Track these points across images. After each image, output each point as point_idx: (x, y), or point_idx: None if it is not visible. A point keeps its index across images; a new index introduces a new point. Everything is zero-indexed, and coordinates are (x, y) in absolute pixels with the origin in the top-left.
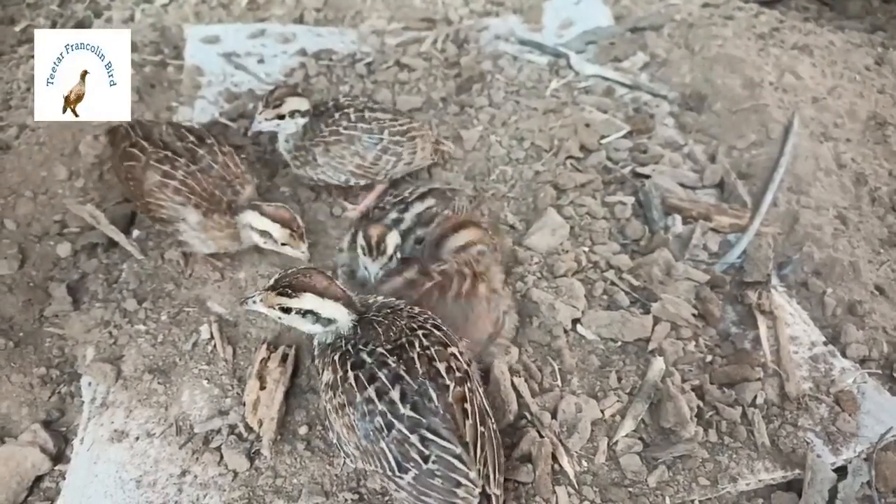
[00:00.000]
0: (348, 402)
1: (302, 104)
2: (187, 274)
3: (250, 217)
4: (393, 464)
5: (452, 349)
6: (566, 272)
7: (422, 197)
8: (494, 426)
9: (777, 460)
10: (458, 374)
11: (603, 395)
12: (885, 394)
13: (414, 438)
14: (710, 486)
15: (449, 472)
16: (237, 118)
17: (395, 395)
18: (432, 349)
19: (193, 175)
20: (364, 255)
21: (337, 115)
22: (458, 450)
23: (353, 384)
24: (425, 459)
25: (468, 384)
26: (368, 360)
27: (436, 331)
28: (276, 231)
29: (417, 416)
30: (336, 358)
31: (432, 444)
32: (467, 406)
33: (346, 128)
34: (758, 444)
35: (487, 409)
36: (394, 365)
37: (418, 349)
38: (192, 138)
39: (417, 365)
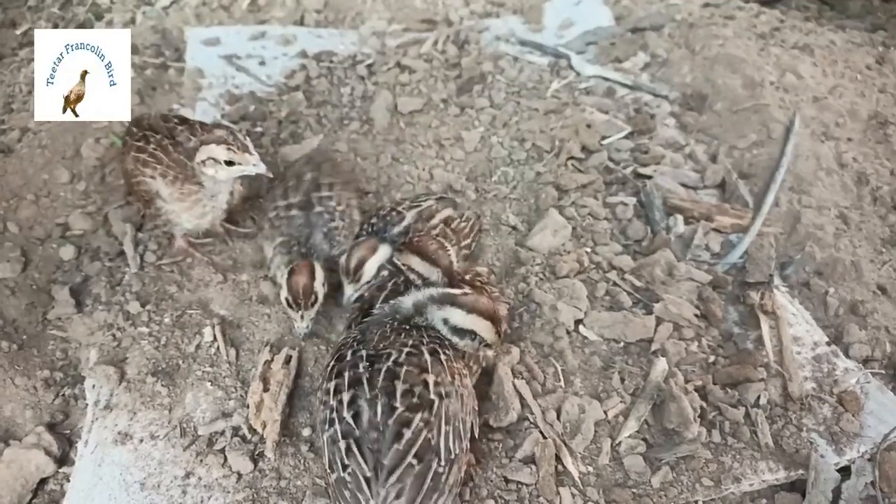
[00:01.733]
0: (320, 386)
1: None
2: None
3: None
4: (326, 458)
5: (428, 376)
6: (568, 273)
7: (424, 199)
8: (445, 469)
9: (780, 461)
10: (414, 401)
11: (606, 396)
12: (888, 393)
13: (342, 444)
14: (714, 487)
15: (356, 491)
16: (238, 120)
17: (345, 397)
18: (404, 368)
19: (164, 148)
20: (341, 274)
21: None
22: (369, 474)
23: (326, 372)
24: (344, 468)
25: (423, 413)
26: (348, 357)
27: (427, 355)
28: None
29: (352, 426)
30: (339, 344)
31: (353, 457)
32: (405, 432)
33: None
34: (761, 444)
35: (445, 450)
36: (361, 370)
37: (390, 363)
38: (176, 120)
39: (380, 377)
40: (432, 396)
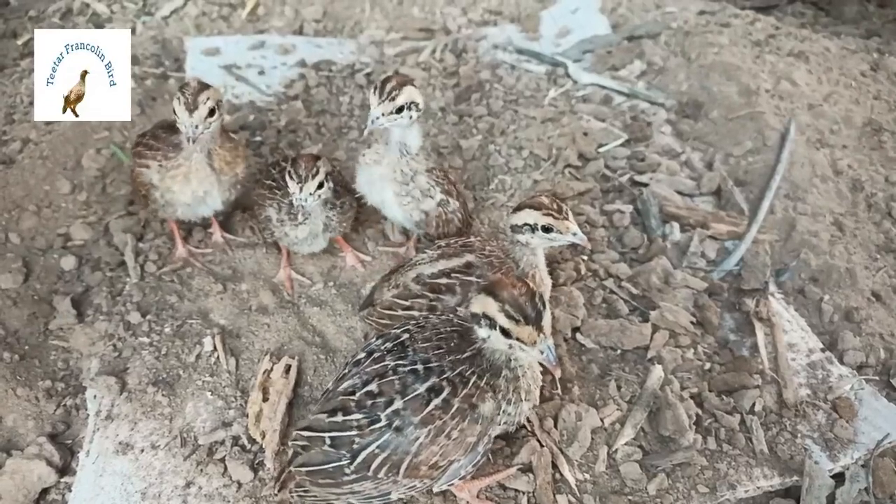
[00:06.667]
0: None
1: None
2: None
3: None
4: None
5: (398, 400)
6: (565, 281)
7: None
8: (352, 473)
9: (775, 467)
10: (367, 403)
11: (602, 404)
12: (882, 400)
13: (331, 384)
14: (709, 494)
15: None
16: (238, 130)
17: (360, 356)
18: (391, 377)
19: (156, 137)
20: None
21: None
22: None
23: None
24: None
25: (362, 418)
26: (397, 334)
27: (422, 384)
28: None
29: (337, 382)
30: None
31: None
32: (338, 415)
33: None
34: (756, 451)
35: (363, 462)
36: (382, 350)
37: (394, 363)
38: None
39: (374, 366)
40: (382, 416)
